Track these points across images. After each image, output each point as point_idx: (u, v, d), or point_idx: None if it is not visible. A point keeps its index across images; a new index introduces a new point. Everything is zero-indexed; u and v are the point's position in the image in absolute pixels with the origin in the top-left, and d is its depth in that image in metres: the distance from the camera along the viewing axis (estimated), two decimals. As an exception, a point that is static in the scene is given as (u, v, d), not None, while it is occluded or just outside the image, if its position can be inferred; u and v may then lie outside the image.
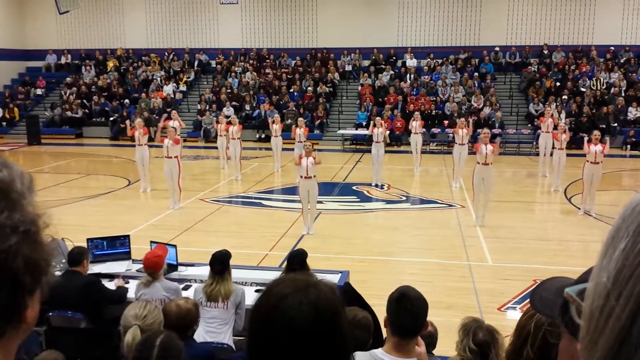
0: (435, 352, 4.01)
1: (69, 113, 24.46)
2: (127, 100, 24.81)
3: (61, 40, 28.45)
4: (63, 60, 28.16)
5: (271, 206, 12.31)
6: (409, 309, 2.58)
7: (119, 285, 5.46)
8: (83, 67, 27.26)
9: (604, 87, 22.55)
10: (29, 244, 0.75)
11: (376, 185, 14.12)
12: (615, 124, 20.87)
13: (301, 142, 14.96)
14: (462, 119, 15.41)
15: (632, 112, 21.25)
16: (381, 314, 2.83)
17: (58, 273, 5.56)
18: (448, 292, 7.43)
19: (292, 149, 15.57)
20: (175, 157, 11.73)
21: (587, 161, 11.16)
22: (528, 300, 0.97)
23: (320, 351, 1.18)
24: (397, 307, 2.61)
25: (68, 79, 26.50)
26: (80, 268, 5.15)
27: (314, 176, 10.04)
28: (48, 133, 23.62)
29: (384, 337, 3.03)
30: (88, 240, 6.22)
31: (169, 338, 2.70)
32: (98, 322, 5.08)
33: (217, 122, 17.03)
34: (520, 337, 2.29)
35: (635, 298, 0.55)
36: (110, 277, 5.84)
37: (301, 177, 10.06)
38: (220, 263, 4.76)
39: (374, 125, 14.63)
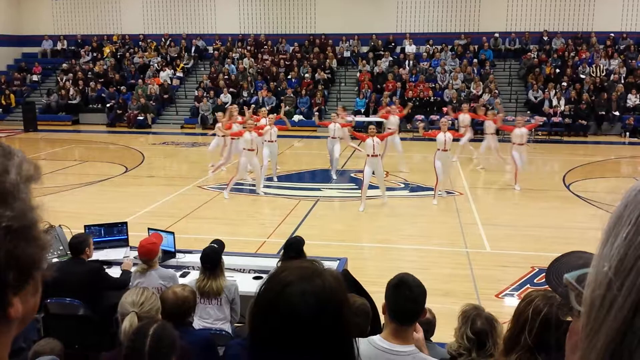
0: (433, 338, 4.02)
1: (70, 96, 24.30)
2: (123, 87, 24.69)
3: (57, 26, 28.25)
4: (59, 46, 27.98)
5: (270, 193, 12.29)
6: (407, 295, 2.58)
7: (124, 269, 5.42)
8: (82, 52, 27.08)
9: (603, 74, 22.48)
10: (14, 239, 0.72)
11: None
12: (617, 112, 20.83)
13: (272, 141, 12.88)
14: (465, 105, 15.49)
15: (632, 99, 21.21)
16: (379, 301, 2.82)
17: (56, 260, 5.55)
18: (446, 279, 7.44)
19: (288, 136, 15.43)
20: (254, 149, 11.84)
21: (514, 143, 12.44)
22: (544, 276, 0.92)
23: (322, 338, 1.18)
24: (395, 294, 2.60)
25: (64, 65, 26.35)
26: (83, 255, 5.14)
27: (380, 155, 10.95)
28: (44, 119, 23.53)
29: (382, 324, 3.02)
30: (85, 227, 6.20)
31: (162, 327, 2.68)
32: (97, 309, 5.08)
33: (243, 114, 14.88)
34: (518, 323, 2.29)
35: (638, 289, 0.54)
36: (108, 264, 5.83)
37: (368, 155, 10.77)
38: (211, 261, 4.68)
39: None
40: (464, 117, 15.66)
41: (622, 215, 0.58)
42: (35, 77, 26.50)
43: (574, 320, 0.94)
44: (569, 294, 0.70)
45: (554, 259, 0.99)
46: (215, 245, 4.97)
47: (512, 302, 6.54)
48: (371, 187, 12.85)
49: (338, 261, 5.88)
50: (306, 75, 24.17)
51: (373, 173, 10.95)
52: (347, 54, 25.66)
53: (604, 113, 20.88)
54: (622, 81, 21.94)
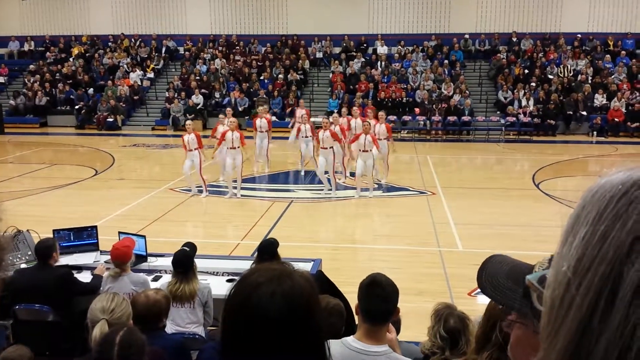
0: (406, 337, 4.04)
1: (38, 98, 23.79)
2: (91, 90, 24.13)
3: (24, 26, 27.66)
4: (26, 47, 27.41)
5: (243, 195, 12.22)
6: (379, 295, 2.59)
7: (97, 273, 5.33)
8: (48, 53, 26.57)
9: (571, 75, 22.93)
10: None
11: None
12: (585, 112, 21.26)
13: (262, 132, 14.50)
14: (381, 112, 13.80)
15: (598, 99, 21.67)
16: (354, 301, 2.83)
17: (24, 265, 5.44)
18: (419, 278, 7.49)
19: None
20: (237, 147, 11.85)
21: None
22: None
23: (293, 340, 1.18)
24: (368, 294, 2.61)
25: (32, 67, 25.82)
26: (50, 260, 5.04)
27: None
28: (11, 122, 23.03)
29: (356, 324, 3.03)
30: (54, 231, 6.08)
31: (129, 334, 2.64)
32: (66, 315, 4.99)
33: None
34: (489, 321, 2.31)
35: (595, 288, 0.55)
36: (78, 269, 5.73)
37: (360, 150, 11.83)
38: (182, 265, 4.63)
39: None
40: (300, 111, 15.98)
41: (580, 215, 0.59)
42: (1, 79, 25.90)
43: (518, 329, 0.95)
44: (530, 294, 0.71)
45: (479, 269, 1.00)
46: (186, 248, 4.92)
47: (484, 300, 6.60)
48: (347, 187, 12.91)
49: (312, 262, 5.87)
50: (279, 76, 24.12)
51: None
52: (319, 54, 25.69)
53: (571, 113, 21.29)
54: (589, 81, 22.41)
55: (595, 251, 0.56)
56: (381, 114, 13.46)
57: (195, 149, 11.71)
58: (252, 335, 1.17)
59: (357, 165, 11.96)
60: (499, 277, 0.97)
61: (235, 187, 11.99)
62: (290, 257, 5.40)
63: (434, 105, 21.58)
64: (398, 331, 3.95)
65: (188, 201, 11.74)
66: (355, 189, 12.34)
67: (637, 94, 21.50)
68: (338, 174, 12.93)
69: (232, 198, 11.86)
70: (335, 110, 18.17)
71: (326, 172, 12.09)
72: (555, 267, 0.60)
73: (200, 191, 12.11)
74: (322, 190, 12.40)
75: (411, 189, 12.79)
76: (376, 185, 12.68)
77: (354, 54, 25.01)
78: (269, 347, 1.16)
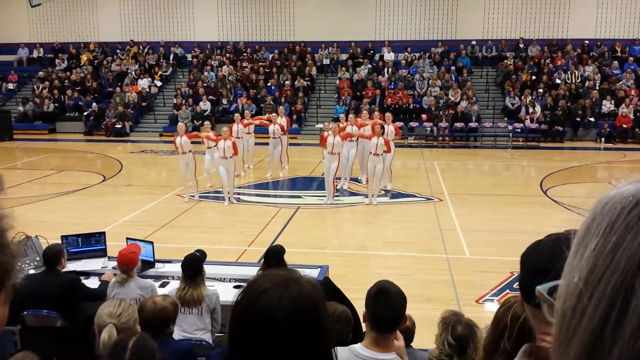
0: (414, 344, 4.02)
1: (45, 105, 23.91)
2: (94, 104, 24.02)
3: (33, 33, 27.91)
4: (35, 54, 27.63)
5: (249, 201, 12.24)
6: (387, 303, 2.58)
7: (105, 279, 5.35)
8: (57, 60, 26.77)
9: (578, 81, 22.85)
10: None
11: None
12: (592, 118, 21.17)
13: (275, 138, 14.60)
14: (388, 114, 14.05)
15: (606, 105, 21.57)
16: (361, 308, 2.82)
17: (32, 271, 5.46)
18: (427, 285, 7.47)
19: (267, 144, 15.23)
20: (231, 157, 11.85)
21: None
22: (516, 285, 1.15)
23: (300, 346, 1.18)
24: (375, 302, 2.60)
25: (41, 73, 26.01)
26: (58, 266, 5.07)
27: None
28: (20, 128, 23.20)
29: (363, 331, 3.02)
30: (62, 237, 6.11)
31: (142, 339, 2.65)
32: (74, 321, 5.00)
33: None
34: (497, 329, 2.30)
35: (607, 299, 0.55)
36: (86, 274, 5.75)
37: (370, 153, 11.79)
38: (192, 268, 4.64)
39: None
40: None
41: (590, 227, 0.59)
42: (10, 86, 26.10)
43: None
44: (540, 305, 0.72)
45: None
46: (197, 253, 4.95)
47: (492, 308, 6.58)
48: (349, 194, 12.90)
49: (319, 269, 5.87)
50: (286, 82, 24.18)
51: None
52: (326, 61, 25.74)
53: (579, 119, 21.21)
54: (597, 88, 22.31)
55: (607, 262, 0.56)
56: (388, 115, 13.57)
57: (189, 151, 11.82)
58: (259, 340, 1.17)
59: (368, 169, 11.97)
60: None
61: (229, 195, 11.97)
62: (297, 264, 5.41)
63: (441, 112, 21.56)
64: (412, 340, 3.93)
65: (195, 207, 11.75)
66: (361, 195, 12.32)
67: (646, 100, 21.40)
68: (338, 179, 12.94)
69: (231, 203, 11.85)
70: (342, 115, 18.11)
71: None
72: (566, 279, 0.60)
73: (192, 196, 12.21)
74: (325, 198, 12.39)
75: (418, 195, 12.76)
76: (383, 192, 12.64)
77: (361, 60, 25.04)
78: (276, 352, 1.16)
